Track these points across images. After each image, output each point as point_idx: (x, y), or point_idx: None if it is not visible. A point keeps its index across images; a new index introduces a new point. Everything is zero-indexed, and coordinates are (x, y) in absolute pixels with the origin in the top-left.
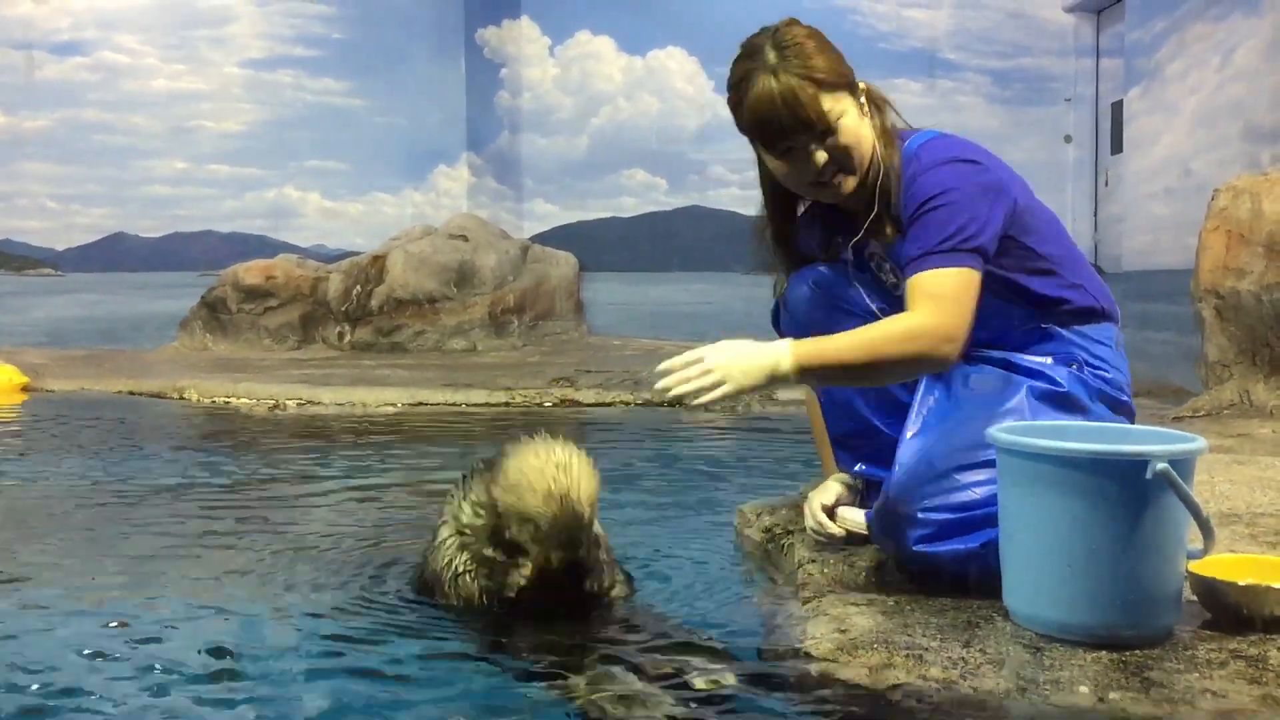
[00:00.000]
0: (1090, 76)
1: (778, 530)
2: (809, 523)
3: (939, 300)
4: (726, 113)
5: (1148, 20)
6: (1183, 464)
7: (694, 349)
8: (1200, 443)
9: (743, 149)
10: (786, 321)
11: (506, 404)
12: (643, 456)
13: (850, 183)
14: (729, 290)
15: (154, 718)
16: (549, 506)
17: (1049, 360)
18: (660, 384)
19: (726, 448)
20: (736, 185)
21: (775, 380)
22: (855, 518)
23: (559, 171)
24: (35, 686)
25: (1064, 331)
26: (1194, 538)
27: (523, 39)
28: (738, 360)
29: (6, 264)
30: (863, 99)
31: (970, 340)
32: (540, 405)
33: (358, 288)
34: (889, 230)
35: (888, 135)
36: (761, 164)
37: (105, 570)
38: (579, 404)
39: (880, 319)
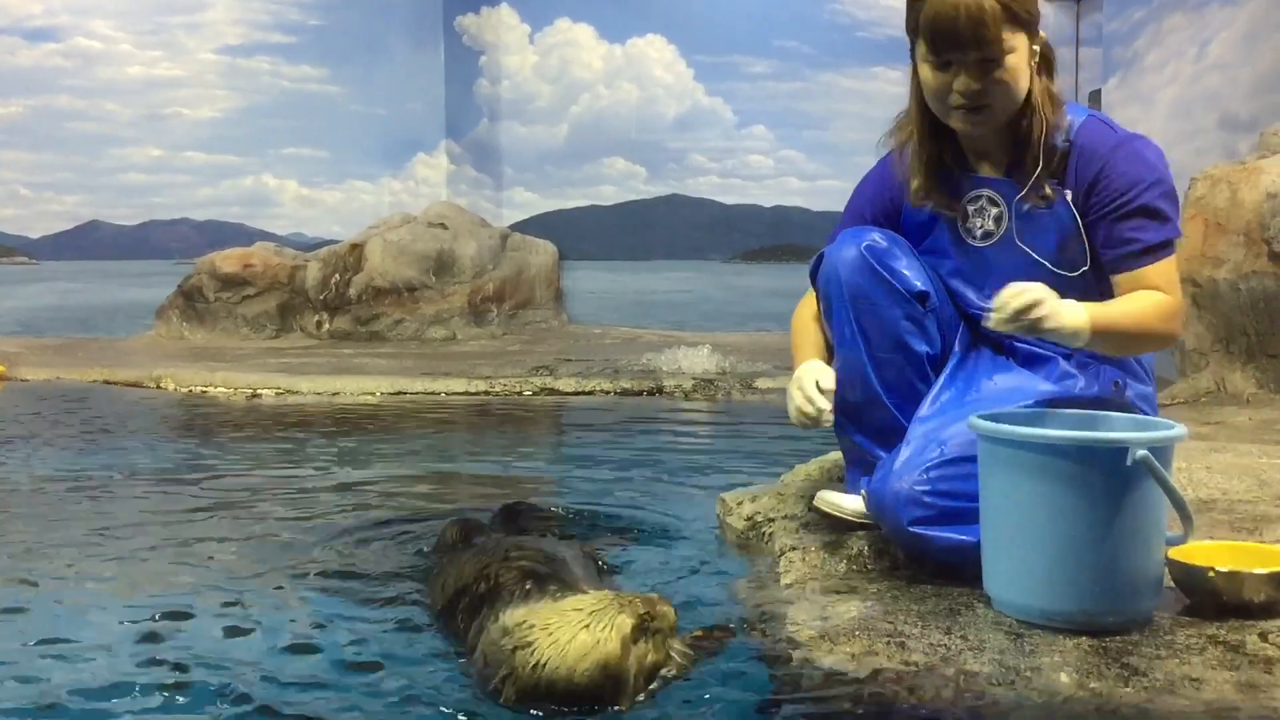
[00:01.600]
0: (1069, 66)
1: (759, 518)
2: (797, 401)
3: (1174, 289)
4: (706, 100)
5: (1126, 9)
6: (1162, 451)
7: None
8: (1180, 430)
9: (722, 138)
10: (828, 277)
11: (486, 393)
12: (622, 445)
13: (989, 122)
14: (708, 278)
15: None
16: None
17: (1090, 367)
18: (999, 299)
19: (707, 437)
20: (716, 173)
21: (1076, 333)
22: (839, 501)
23: (538, 160)
24: None
25: None
26: (1173, 524)
27: (502, 26)
28: (1059, 302)
29: None
30: (1037, 49)
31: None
32: (520, 394)
33: (336, 276)
34: (1048, 191)
35: (1054, 97)
36: (916, 75)
37: (53, 558)
38: (559, 393)
39: (912, 300)
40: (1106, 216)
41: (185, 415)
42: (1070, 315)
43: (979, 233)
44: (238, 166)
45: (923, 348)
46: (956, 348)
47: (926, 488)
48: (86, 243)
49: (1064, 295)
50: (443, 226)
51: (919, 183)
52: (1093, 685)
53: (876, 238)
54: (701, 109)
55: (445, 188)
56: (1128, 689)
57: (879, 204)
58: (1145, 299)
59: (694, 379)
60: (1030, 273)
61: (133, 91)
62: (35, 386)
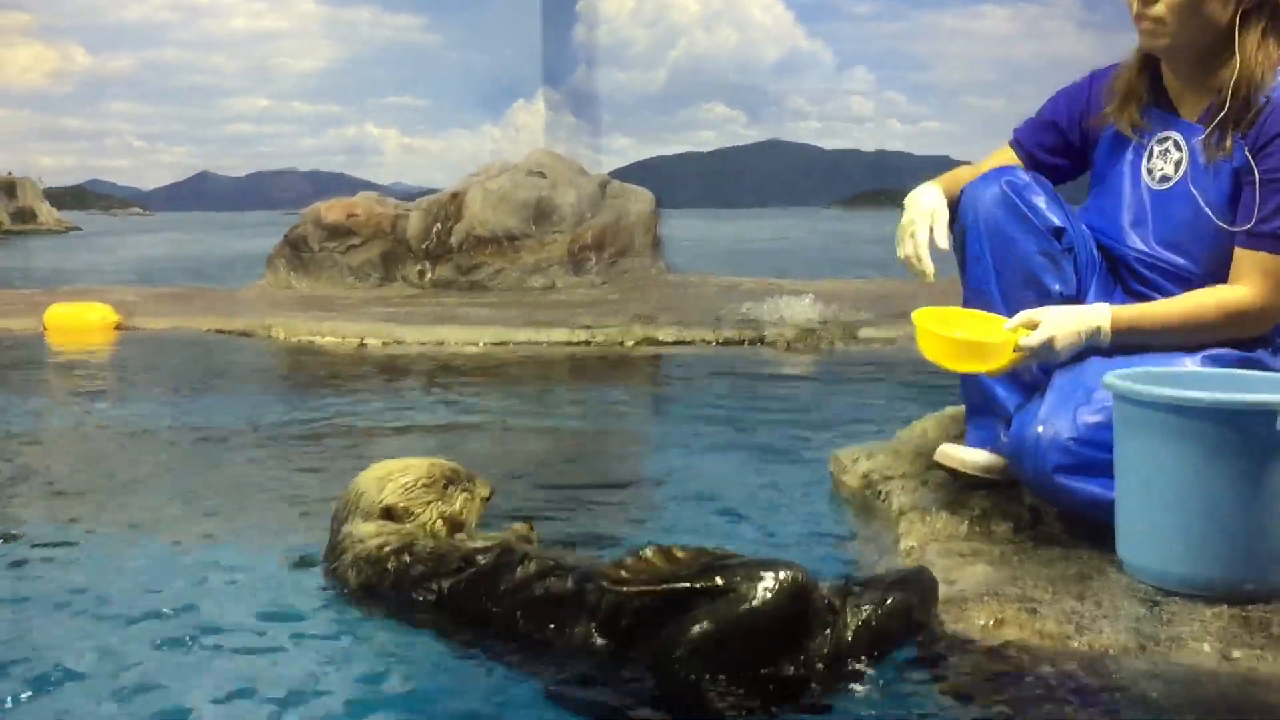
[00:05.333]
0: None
1: (875, 476)
2: (908, 249)
3: (1273, 280)
4: (806, 43)
5: None
6: None
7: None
8: None
9: (822, 81)
10: (967, 211)
11: (587, 342)
12: (729, 398)
13: (1167, 48)
14: (807, 224)
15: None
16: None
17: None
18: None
19: (813, 389)
20: (815, 117)
21: (1094, 338)
22: (962, 455)
23: (636, 106)
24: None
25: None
26: None
27: None
28: (1063, 319)
29: (95, 203)
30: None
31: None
32: (621, 344)
33: (437, 225)
34: (1228, 142)
35: (1271, 58)
36: None
37: (167, 509)
38: (660, 342)
39: (1049, 236)
40: (1253, 182)
41: (297, 364)
42: (1075, 324)
43: (1158, 175)
44: (340, 116)
45: (1056, 286)
46: (1095, 288)
47: (1074, 435)
48: (197, 193)
49: (1226, 249)
50: (541, 175)
51: (1114, 104)
52: (1236, 656)
53: (1019, 174)
54: (801, 52)
55: (543, 135)
56: (1275, 661)
57: (1070, 114)
58: (1208, 295)
59: (796, 328)
60: (1194, 222)
61: (238, 44)
62: (152, 335)
